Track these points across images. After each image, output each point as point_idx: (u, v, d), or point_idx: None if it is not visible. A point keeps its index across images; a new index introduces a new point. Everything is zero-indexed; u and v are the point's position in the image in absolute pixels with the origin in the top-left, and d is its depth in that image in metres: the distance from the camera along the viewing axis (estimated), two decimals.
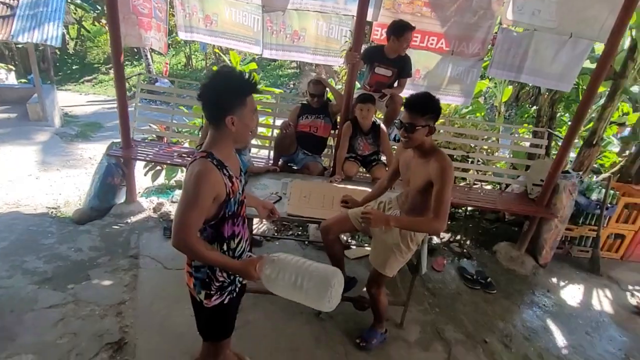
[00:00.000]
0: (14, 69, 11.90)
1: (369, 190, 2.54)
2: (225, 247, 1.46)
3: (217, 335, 1.64)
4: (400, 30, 3.08)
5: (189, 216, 1.29)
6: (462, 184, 4.08)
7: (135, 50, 15.18)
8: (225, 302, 1.52)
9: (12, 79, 10.95)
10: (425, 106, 1.86)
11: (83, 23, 16.24)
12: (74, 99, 12.37)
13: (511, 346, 2.65)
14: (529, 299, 3.18)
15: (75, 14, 15.29)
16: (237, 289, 1.57)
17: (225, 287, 1.49)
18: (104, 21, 15.15)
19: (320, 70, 10.59)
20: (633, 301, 3.31)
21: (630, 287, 3.49)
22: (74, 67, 16.43)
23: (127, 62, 16.02)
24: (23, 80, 11.10)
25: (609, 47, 2.88)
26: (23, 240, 3.14)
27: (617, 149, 4.75)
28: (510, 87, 5.53)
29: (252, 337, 2.39)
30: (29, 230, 3.31)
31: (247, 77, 1.35)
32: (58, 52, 15.75)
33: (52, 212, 3.76)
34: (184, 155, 3.50)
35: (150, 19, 3.94)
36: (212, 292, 1.47)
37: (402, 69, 3.27)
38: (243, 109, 1.34)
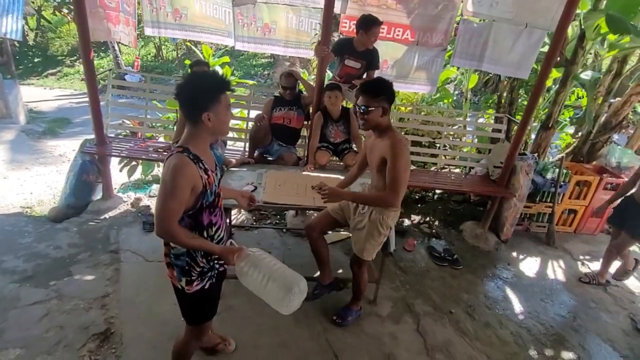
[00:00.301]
0: None
1: (342, 177, 2.69)
2: (205, 235, 1.59)
3: (200, 318, 1.77)
4: (368, 24, 3.21)
5: (168, 207, 1.41)
6: (432, 168, 4.31)
7: (102, 41, 14.64)
8: (206, 287, 1.64)
9: None
10: (377, 89, 2.06)
11: (43, 13, 15.48)
12: (38, 94, 11.86)
13: (474, 315, 2.91)
14: (491, 272, 3.46)
15: (34, 3, 14.54)
16: (216, 274, 1.69)
17: (205, 272, 1.62)
18: (65, 10, 14.46)
19: (294, 60, 10.59)
20: (584, 269, 3.65)
21: (581, 257, 3.84)
22: (35, 60, 15.67)
23: (94, 55, 15.44)
24: None
25: (556, 36, 3.12)
26: (0, 241, 3.14)
27: (572, 131, 5.10)
28: (477, 74, 5.78)
29: (235, 321, 2.54)
30: (5, 230, 3.30)
31: (220, 76, 1.48)
32: (17, 45, 14.97)
33: (26, 212, 3.73)
34: (159, 150, 3.54)
35: (118, 13, 3.89)
36: (193, 278, 1.59)
37: (371, 61, 3.41)
38: (218, 106, 1.45)
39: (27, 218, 3.59)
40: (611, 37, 3.99)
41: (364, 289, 2.58)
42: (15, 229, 3.34)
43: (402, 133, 4.18)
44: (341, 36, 3.97)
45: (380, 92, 2.04)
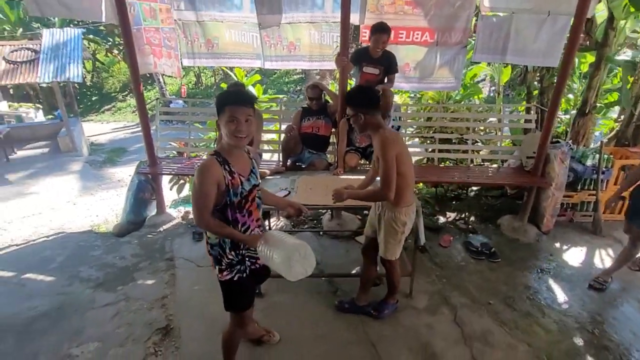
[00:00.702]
0: (40, 107, 12.83)
1: None
2: None
3: (233, 307, 1.96)
4: (374, 31, 3.34)
5: (197, 200, 1.69)
6: (464, 164, 4.32)
7: (148, 75, 16.01)
8: (235, 279, 1.84)
9: (40, 117, 11.83)
10: (348, 99, 2.31)
11: (97, 56, 17.22)
12: (97, 128, 13.19)
13: (514, 306, 2.89)
14: (531, 263, 3.41)
15: (89, 48, 16.27)
16: (247, 270, 1.86)
17: (234, 264, 1.82)
18: (116, 51, 16.07)
19: (323, 73, 10.94)
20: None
21: None
22: (93, 99, 17.44)
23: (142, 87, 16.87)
24: (50, 116, 11.95)
25: (576, 20, 3.10)
26: (75, 255, 3.64)
27: (615, 115, 4.87)
28: (508, 68, 5.70)
29: (278, 315, 2.75)
30: (79, 245, 3.82)
31: (229, 91, 1.82)
32: (77, 86, 16.79)
33: (95, 229, 4.26)
34: None
35: (160, 48, 4.41)
36: (222, 267, 1.83)
37: (389, 65, 3.55)
38: (223, 117, 1.69)
39: (96, 235, 4.11)
40: None
41: (397, 283, 2.67)
42: (87, 244, 3.84)
43: (430, 131, 4.28)
44: (361, 45, 4.16)
45: (350, 100, 2.27)
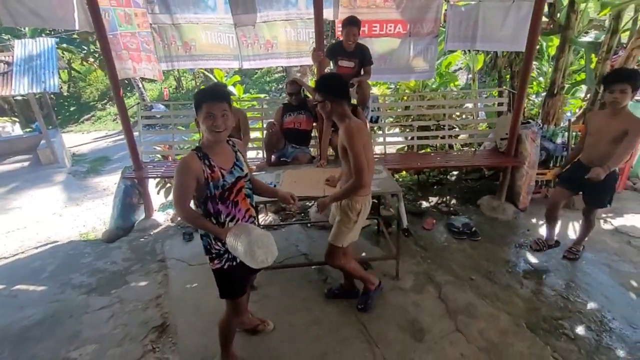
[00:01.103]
0: (17, 120, 12.56)
1: None
2: (214, 222, 1.88)
3: (226, 294, 2.04)
4: (343, 25, 3.45)
5: (176, 192, 1.79)
6: (443, 150, 4.48)
7: (127, 82, 15.78)
8: (225, 267, 1.93)
9: (17, 130, 11.59)
10: (317, 85, 2.29)
11: (72, 65, 16.90)
12: (78, 139, 12.99)
13: (494, 279, 3.05)
14: (510, 239, 3.58)
15: (64, 57, 15.96)
16: (237, 259, 1.91)
17: (222, 254, 1.92)
18: (91, 59, 15.79)
19: (304, 70, 10.98)
20: (606, 226, 3.69)
21: (603, 215, 3.86)
22: (71, 109, 17.11)
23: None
24: (28, 129, 11.73)
25: (536, 5, 3.27)
26: (66, 263, 3.65)
27: (583, 95, 5.10)
28: (482, 55, 5.88)
29: (271, 305, 2.84)
30: (69, 254, 3.83)
31: (204, 89, 1.87)
32: (54, 97, 16.45)
33: (83, 237, 4.27)
34: None
35: (139, 52, 4.41)
36: (213, 256, 1.93)
37: (363, 58, 3.65)
38: (200, 114, 1.78)
39: (85, 242, 4.12)
40: None
41: (359, 273, 2.67)
42: (77, 252, 3.85)
43: (408, 119, 4.42)
44: (337, 40, 4.26)
45: (319, 87, 2.25)
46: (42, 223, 5.65)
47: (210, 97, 1.78)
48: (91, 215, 5.87)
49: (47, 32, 13.25)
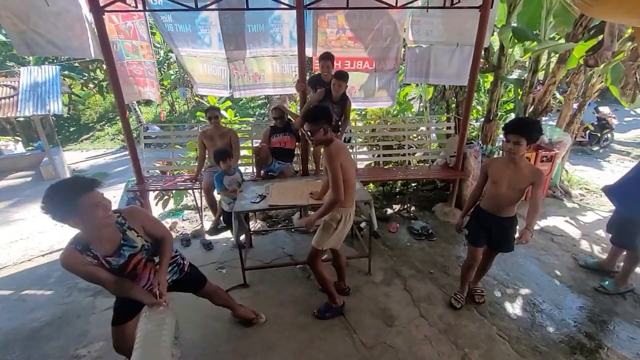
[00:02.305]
0: (20, 139, 11.83)
1: None
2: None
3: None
4: (320, 58, 3.59)
5: (92, 282, 1.69)
6: (402, 165, 4.66)
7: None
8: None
9: (20, 148, 10.91)
10: (314, 117, 2.20)
11: (73, 89, 16.18)
12: (77, 156, 12.37)
13: (449, 272, 3.20)
14: (460, 239, 3.75)
15: (65, 82, 15.27)
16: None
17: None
18: (91, 85, 15.20)
19: (284, 98, 11.10)
20: (535, 227, 3.94)
21: None
22: (71, 129, 16.31)
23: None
24: (30, 147, 11.07)
25: (475, 50, 3.53)
26: None
27: None
28: (431, 87, 6.20)
29: (263, 301, 2.83)
30: None
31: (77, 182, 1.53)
32: (55, 118, 15.61)
33: None
34: (186, 180, 3.91)
35: (144, 78, 4.36)
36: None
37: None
38: (79, 209, 1.48)
39: None
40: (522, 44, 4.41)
41: (327, 285, 2.56)
42: None
43: (375, 140, 4.57)
44: (314, 73, 4.39)
45: (308, 120, 2.21)
46: (45, 233, 5.32)
47: (84, 188, 1.49)
48: None
49: (50, 60, 12.71)
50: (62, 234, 4.97)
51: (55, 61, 12.05)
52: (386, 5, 3.46)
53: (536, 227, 3.90)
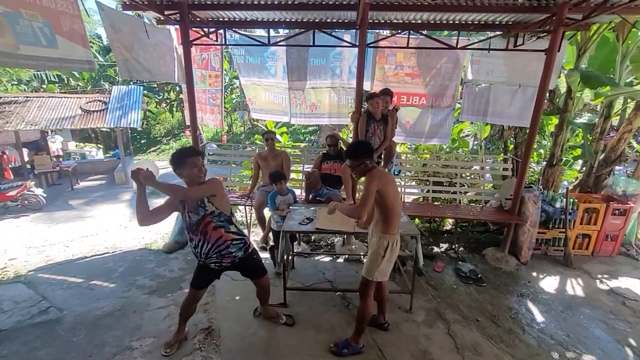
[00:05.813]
0: (101, 147, 13.53)
1: None
2: (193, 248, 2.33)
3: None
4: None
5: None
6: (453, 203, 4.54)
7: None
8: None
9: (100, 155, 12.46)
10: (355, 154, 2.28)
11: (148, 106, 18.31)
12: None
13: (498, 323, 2.98)
14: (512, 288, 3.50)
15: (143, 100, 17.35)
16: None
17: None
18: (164, 104, 17.12)
19: (334, 126, 11.51)
20: (602, 287, 3.56)
21: (599, 276, 3.74)
22: (142, 141, 18.24)
23: (181, 133, 17.70)
24: (108, 154, 12.57)
25: (539, 92, 3.45)
26: (133, 267, 3.83)
27: (579, 167, 5.11)
28: (488, 126, 6.06)
29: (299, 323, 2.86)
30: (136, 259, 4.02)
31: (182, 150, 2.21)
32: (130, 130, 17.68)
33: (148, 247, 4.47)
34: (238, 197, 4.20)
35: (205, 106, 4.90)
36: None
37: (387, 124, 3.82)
38: (184, 166, 2.15)
39: (149, 251, 4.31)
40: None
41: (363, 322, 2.50)
42: (142, 258, 4.04)
43: (425, 175, 4.54)
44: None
45: (350, 155, 2.30)
46: (110, 232, 5.91)
47: (192, 153, 2.17)
48: (151, 229, 6.10)
49: (134, 81, 14.60)
50: (124, 235, 5.50)
51: (138, 82, 13.84)
52: (446, 47, 3.58)
53: (605, 288, 3.51)
